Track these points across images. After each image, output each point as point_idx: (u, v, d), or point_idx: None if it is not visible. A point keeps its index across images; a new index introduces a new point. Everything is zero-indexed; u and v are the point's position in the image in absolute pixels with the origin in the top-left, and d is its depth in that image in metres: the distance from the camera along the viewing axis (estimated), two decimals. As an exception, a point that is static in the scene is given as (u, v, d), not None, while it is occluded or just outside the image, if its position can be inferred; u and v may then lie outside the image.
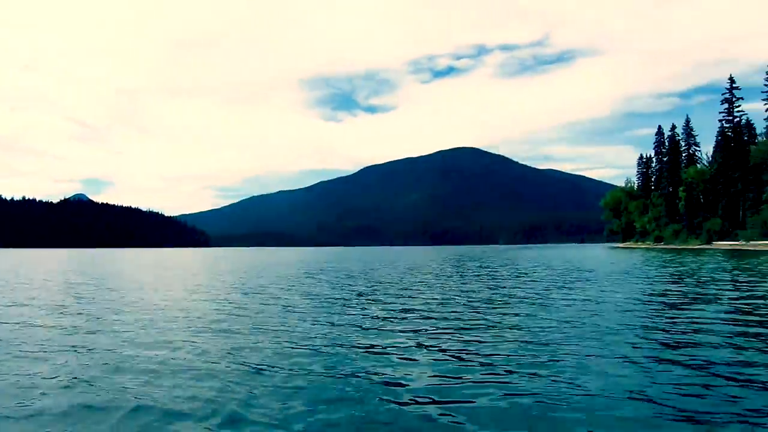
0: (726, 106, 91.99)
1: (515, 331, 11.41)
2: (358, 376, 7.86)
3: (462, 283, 24.64)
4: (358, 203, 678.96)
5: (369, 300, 18.15)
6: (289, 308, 16.07)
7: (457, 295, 19.14)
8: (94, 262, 64.35)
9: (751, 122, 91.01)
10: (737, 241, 79.11)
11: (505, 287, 22.29)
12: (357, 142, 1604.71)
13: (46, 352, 9.85)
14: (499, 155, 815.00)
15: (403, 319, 13.59)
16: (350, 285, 24.70)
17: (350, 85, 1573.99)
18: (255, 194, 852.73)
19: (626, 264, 41.40)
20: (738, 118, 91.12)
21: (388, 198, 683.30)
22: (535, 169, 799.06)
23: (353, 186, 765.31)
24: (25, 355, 9.59)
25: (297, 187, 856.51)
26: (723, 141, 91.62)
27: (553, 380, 7.46)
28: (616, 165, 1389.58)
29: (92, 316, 14.71)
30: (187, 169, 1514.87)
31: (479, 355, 9.17)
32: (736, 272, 29.11)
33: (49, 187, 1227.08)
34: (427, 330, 11.74)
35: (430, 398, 6.81)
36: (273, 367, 8.47)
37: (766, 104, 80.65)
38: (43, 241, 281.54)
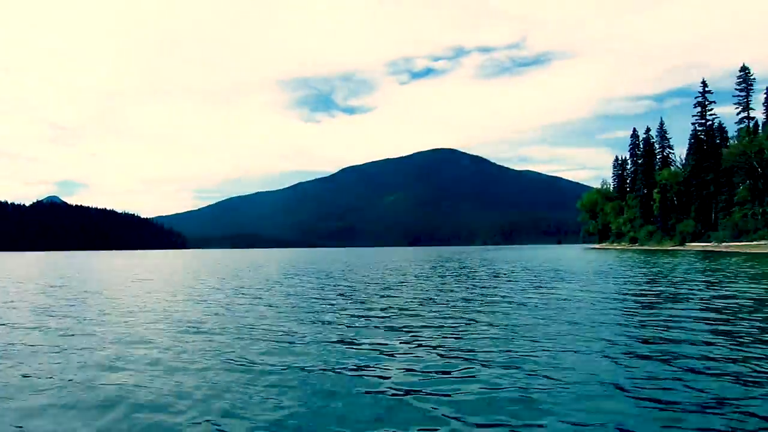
0: (699, 109, 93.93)
1: (493, 328, 11.68)
2: (340, 372, 8.04)
3: (441, 283, 24.92)
4: (337, 204, 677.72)
5: (350, 300, 18.30)
6: (270, 308, 16.14)
7: (436, 295, 19.39)
8: (62, 265, 63.41)
9: (723, 125, 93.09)
10: (709, 242, 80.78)
11: (482, 287, 22.62)
12: (336, 143, 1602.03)
13: (32, 354, 9.85)
14: (477, 156, 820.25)
15: (384, 317, 13.78)
16: (331, 286, 24.83)
17: (328, 86, 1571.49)
18: (233, 195, 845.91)
19: (601, 264, 42.13)
20: (710, 122, 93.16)
21: (367, 199, 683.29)
22: (512, 170, 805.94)
23: (332, 187, 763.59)
24: (8, 356, 9.61)
25: (275, 189, 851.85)
26: (696, 144, 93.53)
27: (529, 374, 7.72)
28: (592, 166, 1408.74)
29: (71, 319, 14.65)
30: (165, 171, 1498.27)
31: (458, 350, 9.41)
32: (707, 273, 29.86)
33: (22, 189, 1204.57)
34: (407, 328, 11.95)
35: (411, 392, 7.01)
36: (255, 363, 8.61)
37: (737, 108, 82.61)
38: (16, 244, 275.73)
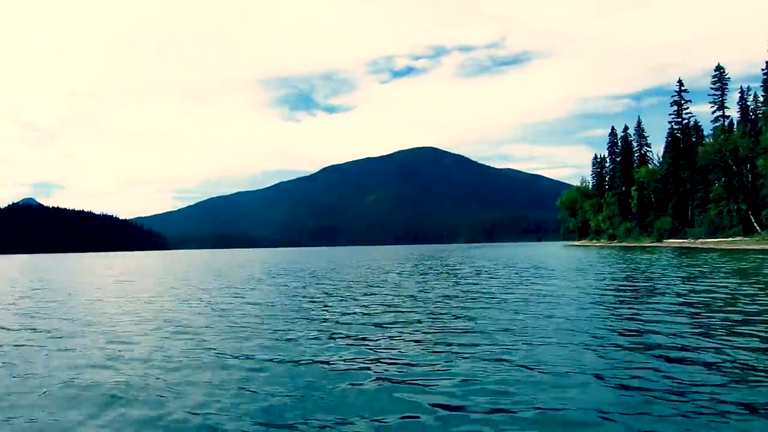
0: (675, 108, 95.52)
1: (474, 323, 11.94)
2: (326, 364, 8.24)
3: (423, 281, 25.18)
4: (319, 204, 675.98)
5: (333, 297, 18.48)
6: (254, 306, 16.25)
7: (418, 292, 19.64)
8: (42, 268, 62.64)
9: (699, 124, 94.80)
10: (686, 238, 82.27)
11: (464, 284, 22.94)
12: (317, 142, 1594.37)
13: (20, 355, 9.89)
14: (458, 155, 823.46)
15: (367, 314, 13.97)
16: (314, 285, 24.99)
17: (309, 85, 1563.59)
18: (214, 196, 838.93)
19: (581, 261, 42.77)
20: (686, 120, 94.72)
21: (349, 198, 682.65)
22: (493, 168, 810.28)
23: (313, 186, 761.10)
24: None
25: (256, 188, 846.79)
26: (672, 142, 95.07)
27: (509, 364, 7.97)
28: (572, 165, 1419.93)
29: (55, 321, 14.62)
30: (144, 172, 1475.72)
31: (440, 344, 9.65)
32: (684, 268, 30.52)
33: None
34: (389, 324, 12.17)
35: (393, 382, 7.24)
36: (244, 358, 8.80)
37: (712, 107, 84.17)
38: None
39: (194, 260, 76.80)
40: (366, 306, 15.76)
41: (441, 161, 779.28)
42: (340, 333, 11.14)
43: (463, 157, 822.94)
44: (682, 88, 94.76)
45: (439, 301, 16.41)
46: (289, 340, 10.48)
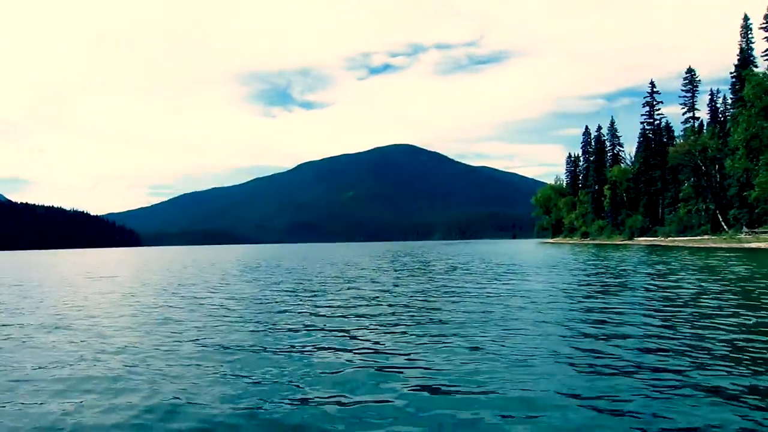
0: (647, 109, 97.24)
1: (448, 315, 12.33)
2: (299, 353, 8.54)
3: (396, 277, 25.53)
4: (295, 200, 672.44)
5: (309, 293, 18.71)
6: (223, 307, 16.43)
7: (393, 287, 19.98)
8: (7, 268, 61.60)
9: (670, 125, 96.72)
10: (656, 236, 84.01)
11: (438, 279, 23.36)
12: (293, 138, 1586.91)
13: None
14: (435, 152, 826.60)
15: (343, 307, 14.25)
16: (290, 281, 25.19)
17: (285, 81, 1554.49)
18: (188, 191, 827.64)
19: (555, 258, 43.56)
20: (658, 121, 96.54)
21: (326, 194, 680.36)
22: (469, 166, 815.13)
23: (289, 183, 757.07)
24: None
25: (232, 184, 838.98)
26: (644, 142, 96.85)
27: (481, 352, 8.32)
28: (546, 163, 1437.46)
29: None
30: (117, 167, 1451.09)
31: (412, 335, 9.94)
32: (654, 265, 31.36)
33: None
34: (363, 316, 12.48)
35: (365, 368, 7.55)
36: (224, 348, 9.05)
37: (683, 108, 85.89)
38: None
39: (166, 257, 76.12)
40: (342, 300, 16.06)
41: (418, 158, 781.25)
42: (315, 325, 11.44)
43: (439, 154, 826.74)
44: (654, 89, 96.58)
45: (414, 295, 16.77)
46: (264, 331, 10.78)
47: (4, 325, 12.42)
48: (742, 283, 18.63)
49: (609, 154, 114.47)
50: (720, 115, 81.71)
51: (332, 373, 7.50)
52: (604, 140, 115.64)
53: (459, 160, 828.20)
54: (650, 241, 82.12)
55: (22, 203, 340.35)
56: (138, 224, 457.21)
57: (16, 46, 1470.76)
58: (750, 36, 67.37)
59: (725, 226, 68.59)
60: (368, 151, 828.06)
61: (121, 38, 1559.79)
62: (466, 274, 26.27)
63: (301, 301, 16.12)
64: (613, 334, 9.84)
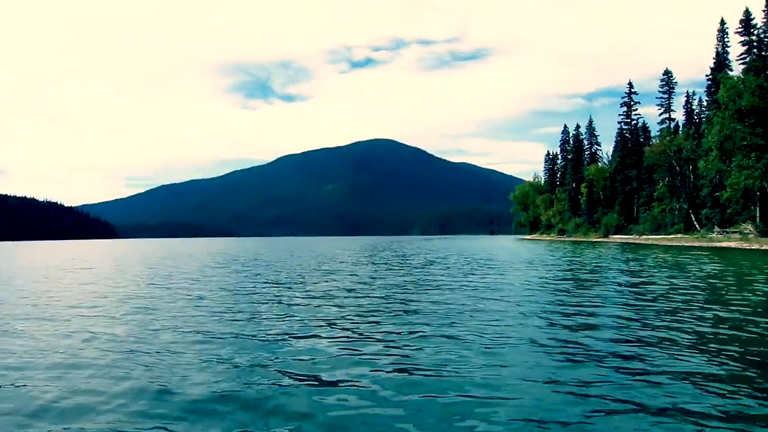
0: (624, 109, 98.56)
1: (423, 306, 12.57)
2: (272, 343, 8.71)
3: (374, 270, 25.74)
4: (274, 193, 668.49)
5: (287, 285, 18.85)
6: (201, 298, 16.49)
7: (371, 279, 20.18)
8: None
9: (647, 125, 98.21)
10: (631, 234, 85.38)
11: (416, 273, 23.63)
12: (273, 131, 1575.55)
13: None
14: (415, 147, 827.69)
15: (321, 298, 14.42)
16: (269, 273, 25.26)
17: (265, 73, 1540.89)
18: (166, 183, 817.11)
19: (532, 253, 44.15)
20: (635, 121, 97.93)
21: (305, 188, 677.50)
22: (449, 162, 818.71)
23: (269, 176, 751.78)
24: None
25: (210, 176, 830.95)
26: (621, 141, 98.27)
27: (455, 340, 8.54)
28: (525, 160, 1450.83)
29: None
30: (92, 157, 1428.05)
31: (380, 330, 10.10)
32: (627, 262, 31.99)
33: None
34: (336, 312, 12.65)
35: (339, 356, 7.74)
36: (202, 335, 9.19)
37: (660, 109, 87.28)
38: None
39: (142, 250, 75.34)
40: (320, 291, 16.22)
41: (398, 153, 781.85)
42: (293, 314, 11.63)
43: (420, 149, 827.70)
44: (632, 90, 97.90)
45: (391, 288, 16.99)
46: (242, 320, 10.95)
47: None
48: (710, 280, 19.19)
49: (587, 153, 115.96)
50: (695, 117, 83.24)
51: (309, 359, 7.67)
52: (582, 139, 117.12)
53: (439, 156, 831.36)
54: (625, 238, 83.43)
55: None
56: (114, 216, 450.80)
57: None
58: (726, 40, 68.61)
59: (697, 225, 69.97)
60: (349, 145, 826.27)
61: (99, 27, 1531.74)
62: (443, 268, 26.58)
63: (279, 292, 16.25)
64: (586, 325, 10.16)
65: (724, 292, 15.46)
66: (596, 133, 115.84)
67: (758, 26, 61.57)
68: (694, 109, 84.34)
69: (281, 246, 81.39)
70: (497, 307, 12.34)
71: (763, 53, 61.19)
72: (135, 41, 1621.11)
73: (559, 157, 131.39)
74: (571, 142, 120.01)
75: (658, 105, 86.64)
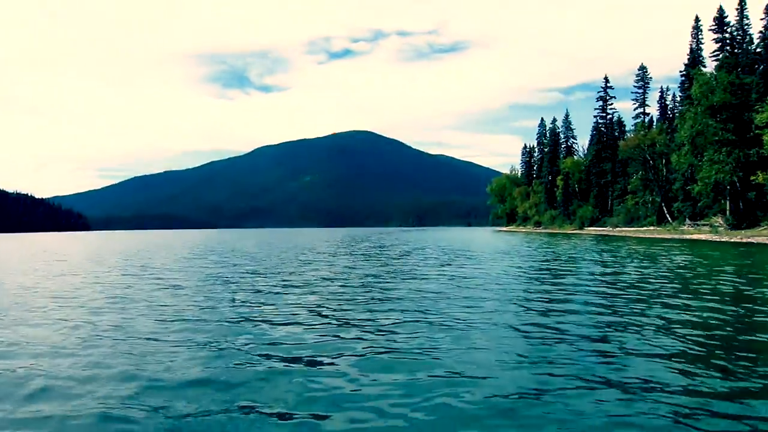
0: (600, 103, 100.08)
1: (400, 293, 12.79)
2: (250, 329, 8.86)
3: (352, 261, 25.92)
4: (252, 185, 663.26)
5: (263, 276, 18.93)
6: (177, 287, 16.50)
7: (349, 269, 20.35)
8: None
9: (622, 119, 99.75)
10: (605, 227, 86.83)
11: (393, 263, 23.86)
12: (250, 121, 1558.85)
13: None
14: (393, 139, 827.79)
15: (298, 287, 14.55)
16: (246, 264, 25.26)
17: (242, 63, 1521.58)
18: (140, 174, 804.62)
19: (508, 244, 44.72)
20: (610, 116, 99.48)
21: (283, 179, 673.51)
22: (427, 154, 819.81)
23: (246, 167, 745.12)
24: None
25: (186, 168, 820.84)
26: (597, 135, 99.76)
27: (432, 327, 8.77)
28: (503, 153, 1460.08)
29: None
30: (64, 148, 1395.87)
31: (358, 317, 10.26)
32: (601, 253, 32.62)
33: None
34: (314, 300, 12.80)
35: (316, 345, 7.89)
36: (185, 322, 9.27)
37: (634, 104, 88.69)
38: None
39: (114, 241, 74.42)
40: (299, 280, 16.36)
41: (377, 145, 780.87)
42: (271, 302, 11.80)
43: (398, 141, 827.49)
44: (608, 85, 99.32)
45: (368, 276, 17.20)
46: (220, 307, 11.09)
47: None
48: (680, 270, 19.73)
49: (563, 146, 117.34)
50: (669, 112, 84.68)
51: (290, 344, 7.81)
52: (559, 132, 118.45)
53: (418, 148, 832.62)
54: (599, 231, 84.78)
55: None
56: (87, 208, 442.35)
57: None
58: (700, 37, 69.85)
59: (669, 218, 71.40)
60: (327, 136, 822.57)
61: (72, 15, 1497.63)
62: (420, 259, 26.84)
63: (257, 281, 16.32)
64: (560, 311, 10.46)
65: (692, 282, 15.93)
66: (572, 127, 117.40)
67: (731, 24, 62.89)
68: (668, 105, 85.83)
69: (259, 237, 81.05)
70: (473, 295, 12.60)
71: (736, 50, 62.53)
72: (108, 29, 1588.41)
73: (536, 150, 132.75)
74: (548, 135, 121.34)
75: (633, 100, 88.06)
